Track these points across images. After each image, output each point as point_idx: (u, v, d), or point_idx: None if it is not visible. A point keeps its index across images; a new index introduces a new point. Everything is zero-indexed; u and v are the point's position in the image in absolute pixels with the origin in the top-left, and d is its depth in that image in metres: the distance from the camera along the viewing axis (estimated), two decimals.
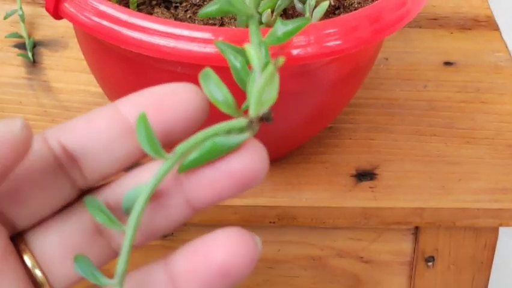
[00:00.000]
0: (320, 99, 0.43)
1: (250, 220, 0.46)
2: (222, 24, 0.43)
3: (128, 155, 0.27)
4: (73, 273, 0.27)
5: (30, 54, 0.54)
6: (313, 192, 0.46)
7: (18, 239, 0.27)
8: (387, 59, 0.56)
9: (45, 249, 0.27)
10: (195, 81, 0.39)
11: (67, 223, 0.27)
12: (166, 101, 0.26)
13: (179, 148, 0.26)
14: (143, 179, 0.27)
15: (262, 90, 0.25)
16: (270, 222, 0.46)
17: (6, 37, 0.55)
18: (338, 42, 0.39)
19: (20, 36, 0.55)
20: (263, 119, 0.26)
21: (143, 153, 0.27)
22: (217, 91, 0.26)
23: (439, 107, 0.53)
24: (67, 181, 0.27)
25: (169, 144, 0.27)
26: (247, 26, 0.40)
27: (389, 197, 0.46)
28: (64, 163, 0.27)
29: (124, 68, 0.40)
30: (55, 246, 0.27)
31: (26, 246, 0.27)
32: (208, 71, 0.27)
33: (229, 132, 0.26)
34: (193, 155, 0.26)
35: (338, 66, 0.42)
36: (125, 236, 0.26)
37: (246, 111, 0.27)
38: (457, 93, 0.53)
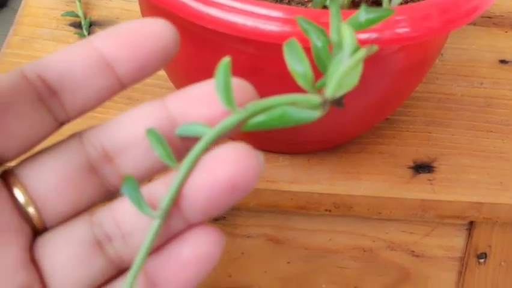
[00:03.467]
0: (385, 88, 0.43)
1: (306, 207, 0.46)
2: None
3: (105, 90, 0.27)
4: (67, 208, 0.27)
5: (86, 34, 0.54)
6: (371, 182, 0.46)
7: (8, 175, 0.27)
8: (442, 54, 0.56)
9: (39, 184, 0.27)
10: (267, 62, 0.39)
11: (60, 159, 0.27)
12: (141, 37, 0.27)
13: (251, 106, 0.26)
14: (138, 122, 0.27)
15: (346, 74, 0.25)
16: (326, 210, 0.46)
17: (62, 15, 0.55)
18: (407, 29, 0.38)
19: (76, 15, 0.55)
20: (335, 102, 0.25)
21: (120, 88, 0.27)
22: (297, 63, 0.26)
23: (495, 104, 0.52)
24: (48, 113, 0.27)
25: (143, 77, 0.28)
26: (322, 7, 0.40)
27: (447, 190, 0.46)
28: (44, 95, 0.27)
29: (193, 45, 0.40)
30: (49, 181, 0.27)
31: (18, 181, 0.27)
32: (293, 41, 0.27)
33: (301, 105, 0.25)
34: (261, 117, 0.26)
35: (406, 55, 0.41)
36: (178, 174, 0.26)
37: (319, 90, 0.26)
38: None
